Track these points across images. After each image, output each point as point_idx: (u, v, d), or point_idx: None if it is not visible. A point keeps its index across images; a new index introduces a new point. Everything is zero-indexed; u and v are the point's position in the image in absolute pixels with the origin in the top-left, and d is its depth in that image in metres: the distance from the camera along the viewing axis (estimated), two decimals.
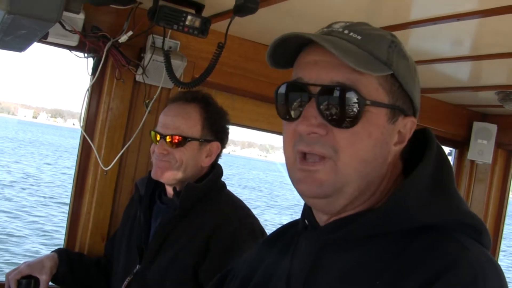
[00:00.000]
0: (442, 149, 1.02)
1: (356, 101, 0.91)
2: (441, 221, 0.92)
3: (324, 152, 0.93)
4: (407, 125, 0.99)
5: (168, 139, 1.93)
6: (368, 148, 0.94)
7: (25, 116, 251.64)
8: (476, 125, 3.39)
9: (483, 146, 3.35)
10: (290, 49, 0.98)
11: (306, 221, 1.09)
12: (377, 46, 0.95)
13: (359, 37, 0.96)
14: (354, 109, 0.92)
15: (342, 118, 0.92)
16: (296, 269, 1.03)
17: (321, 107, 0.93)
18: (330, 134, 0.93)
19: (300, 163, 0.96)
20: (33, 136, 66.92)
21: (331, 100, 0.92)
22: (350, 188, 0.95)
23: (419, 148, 1.01)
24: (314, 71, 0.95)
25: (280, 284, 1.05)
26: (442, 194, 0.95)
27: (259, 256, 1.19)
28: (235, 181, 37.24)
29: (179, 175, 1.94)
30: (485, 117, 3.48)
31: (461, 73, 2.59)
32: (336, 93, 0.92)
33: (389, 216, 0.92)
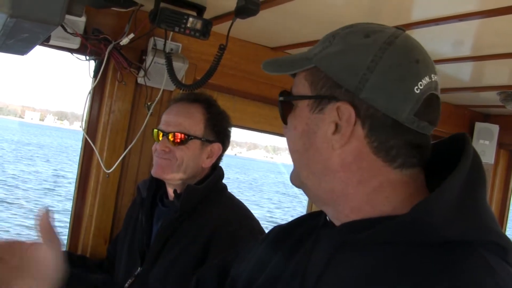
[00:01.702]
0: (479, 158, 0.96)
1: (280, 100, 1.05)
2: (467, 238, 0.87)
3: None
4: (341, 111, 0.94)
5: (170, 136, 1.93)
6: (295, 139, 1.02)
7: (32, 118, 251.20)
8: (478, 125, 3.39)
9: (485, 146, 3.35)
10: None
11: (328, 217, 1.08)
12: (317, 45, 1.02)
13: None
14: (280, 106, 1.05)
15: (281, 117, 1.06)
16: (313, 266, 1.02)
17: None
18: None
19: None
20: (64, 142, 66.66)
21: (280, 102, 1.07)
22: (303, 177, 1.03)
23: (455, 154, 0.95)
24: None
25: (294, 282, 1.03)
26: (471, 209, 0.90)
27: (266, 255, 1.18)
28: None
29: (179, 174, 1.95)
30: (487, 118, 3.48)
31: (463, 73, 2.59)
32: (280, 95, 1.06)
33: (413, 225, 0.88)
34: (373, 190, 0.96)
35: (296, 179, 1.06)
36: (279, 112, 1.05)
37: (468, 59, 2.25)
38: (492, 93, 2.82)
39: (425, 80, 0.93)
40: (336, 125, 0.95)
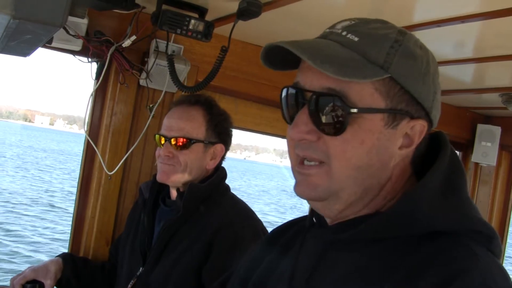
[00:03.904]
0: (456, 154, 0.99)
1: (342, 108, 0.90)
2: (451, 227, 0.89)
3: (317, 157, 0.94)
4: (415, 128, 0.95)
5: (173, 141, 1.93)
6: (361, 155, 0.92)
7: (42, 123, 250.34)
8: (480, 127, 3.39)
9: (487, 148, 3.34)
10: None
11: (314, 218, 1.08)
12: (375, 48, 0.92)
13: (356, 39, 0.93)
14: (340, 116, 0.90)
15: (330, 126, 0.91)
16: (301, 266, 1.02)
17: (312, 113, 0.93)
18: (321, 140, 0.93)
19: (298, 167, 0.98)
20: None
21: (320, 107, 0.92)
22: (345, 193, 0.95)
23: (433, 152, 0.98)
24: (309, 76, 0.95)
25: (283, 281, 1.04)
26: (453, 200, 0.92)
27: (260, 254, 1.19)
28: None
29: (184, 177, 1.95)
30: (489, 119, 3.48)
31: (465, 75, 2.59)
32: (324, 100, 0.91)
33: (398, 219, 0.90)
34: (387, 194, 0.98)
35: (325, 193, 0.95)
36: (326, 119, 0.91)
37: (470, 61, 2.25)
38: (494, 94, 2.81)
39: None
40: (403, 140, 0.95)
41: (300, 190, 0.98)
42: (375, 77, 0.90)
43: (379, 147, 0.92)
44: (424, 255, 0.85)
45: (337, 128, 0.91)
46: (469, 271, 0.81)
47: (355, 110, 0.90)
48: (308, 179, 0.96)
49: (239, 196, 2.07)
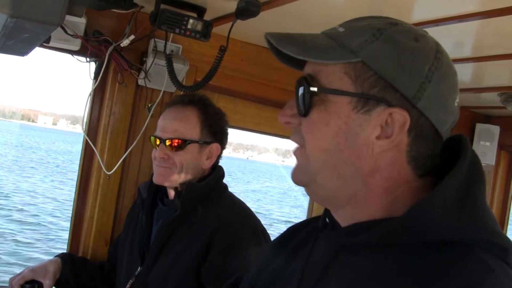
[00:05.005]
0: (478, 160, 0.95)
1: (307, 90, 0.94)
2: (465, 237, 0.86)
3: (299, 140, 0.98)
4: (394, 117, 0.90)
5: (167, 142, 1.93)
6: (327, 137, 0.93)
7: (45, 123, 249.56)
8: (479, 126, 3.38)
9: (485, 147, 3.34)
10: None
11: (327, 219, 1.07)
12: (353, 36, 0.92)
13: (341, 30, 0.96)
14: (305, 97, 0.94)
15: (299, 107, 0.95)
16: (310, 268, 1.01)
17: (296, 98, 0.96)
18: (300, 124, 0.97)
19: (293, 153, 1.02)
20: None
21: (297, 91, 0.96)
22: (320, 177, 0.95)
23: (454, 157, 0.94)
24: (305, 68, 0.99)
25: (292, 283, 1.03)
26: (469, 209, 0.88)
27: (270, 255, 1.18)
28: None
29: (181, 178, 1.95)
30: (487, 119, 3.48)
31: (464, 74, 2.58)
32: (299, 84, 0.95)
33: (410, 226, 0.87)
34: (395, 198, 0.94)
35: (305, 176, 0.98)
36: (298, 101, 0.95)
37: (468, 60, 2.25)
38: (493, 94, 2.81)
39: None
40: (381, 130, 0.91)
41: (291, 174, 1.01)
42: (341, 59, 0.91)
43: (347, 132, 0.91)
44: (435, 265, 0.83)
45: (304, 108, 0.94)
46: (480, 286, 0.78)
47: (314, 89, 0.93)
48: (295, 163, 1.00)
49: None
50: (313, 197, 1.02)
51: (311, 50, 0.93)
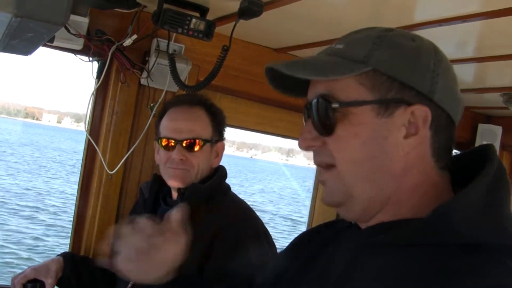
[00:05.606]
0: (504, 169, 0.96)
1: (326, 107, 0.95)
2: (488, 241, 0.86)
3: (326, 161, 0.98)
4: (416, 114, 0.93)
5: (184, 143, 1.92)
6: (358, 148, 0.94)
7: (49, 121, 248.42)
8: (481, 127, 3.38)
9: None
10: None
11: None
12: (357, 48, 0.96)
13: (341, 46, 0.98)
14: (328, 114, 0.95)
15: (322, 126, 0.96)
16: (334, 268, 1.01)
17: (312, 121, 0.98)
18: (326, 144, 0.97)
19: (318, 175, 1.02)
20: None
21: (314, 112, 0.97)
22: (356, 190, 0.95)
23: (480, 164, 0.95)
24: (310, 90, 1.01)
25: (317, 282, 1.03)
26: (493, 213, 0.89)
27: (288, 256, 1.18)
28: None
29: (196, 179, 1.95)
30: (490, 119, 3.47)
31: (466, 75, 2.58)
32: (315, 105, 0.96)
33: (434, 227, 0.88)
34: (421, 196, 0.96)
35: (340, 195, 0.98)
36: (318, 121, 0.96)
37: (471, 61, 2.25)
38: (495, 94, 2.81)
39: None
40: (406, 129, 0.94)
41: (323, 198, 1.02)
42: (353, 72, 0.93)
43: (377, 138, 0.93)
44: (456, 267, 0.83)
45: (328, 126, 0.95)
46: None
47: (336, 105, 0.94)
48: (326, 186, 1.00)
49: None
50: (348, 215, 1.02)
51: (324, 69, 0.95)
